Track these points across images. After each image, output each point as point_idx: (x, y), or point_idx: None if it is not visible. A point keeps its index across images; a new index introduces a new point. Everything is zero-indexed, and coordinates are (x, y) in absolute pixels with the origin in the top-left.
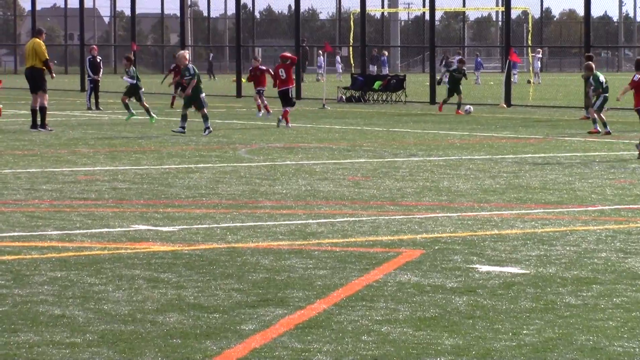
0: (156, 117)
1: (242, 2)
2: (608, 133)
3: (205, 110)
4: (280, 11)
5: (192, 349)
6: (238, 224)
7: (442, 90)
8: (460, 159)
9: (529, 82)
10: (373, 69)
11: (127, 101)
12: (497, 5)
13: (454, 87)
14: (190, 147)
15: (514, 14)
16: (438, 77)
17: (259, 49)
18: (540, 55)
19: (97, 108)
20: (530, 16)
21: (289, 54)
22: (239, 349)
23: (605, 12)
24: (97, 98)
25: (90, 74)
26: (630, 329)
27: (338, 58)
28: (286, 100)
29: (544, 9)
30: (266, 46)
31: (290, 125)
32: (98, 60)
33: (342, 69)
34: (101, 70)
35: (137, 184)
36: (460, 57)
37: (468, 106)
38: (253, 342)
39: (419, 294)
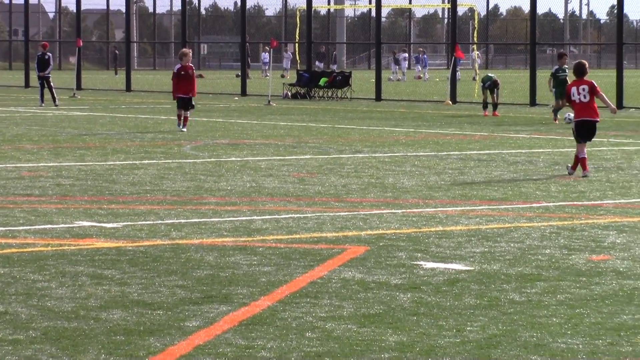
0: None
1: None
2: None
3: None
4: (226, 7)
5: (135, 345)
6: (182, 221)
7: (392, 87)
8: (405, 155)
9: (474, 79)
10: (320, 65)
11: None
12: (443, 2)
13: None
14: (135, 143)
15: (460, 10)
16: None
17: (205, 45)
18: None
19: (55, 104)
20: (476, 13)
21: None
22: (183, 345)
23: (550, 9)
24: (52, 94)
25: (38, 70)
26: (574, 325)
27: (286, 54)
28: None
29: (490, 6)
30: (212, 42)
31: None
32: (47, 57)
33: (289, 65)
34: (50, 66)
35: (81, 180)
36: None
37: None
38: (197, 339)
39: (363, 291)
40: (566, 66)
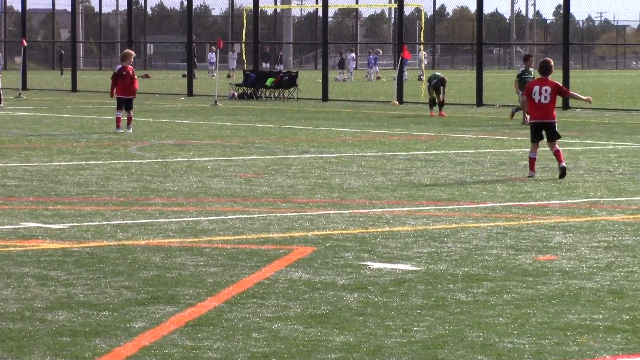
0: None
1: None
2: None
3: None
4: (172, 7)
5: (81, 347)
6: (129, 221)
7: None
8: (352, 156)
9: (419, 78)
10: (266, 65)
11: None
12: (389, 2)
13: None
14: (80, 144)
15: (407, 10)
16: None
17: (151, 45)
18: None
19: None
20: (423, 13)
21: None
22: (129, 346)
23: (497, 9)
24: None
25: None
26: (520, 325)
27: (232, 54)
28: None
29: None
30: (158, 42)
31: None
32: None
33: (236, 65)
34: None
35: (26, 180)
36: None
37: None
38: (143, 340)
39: (310, 291)
40: (532, 68)
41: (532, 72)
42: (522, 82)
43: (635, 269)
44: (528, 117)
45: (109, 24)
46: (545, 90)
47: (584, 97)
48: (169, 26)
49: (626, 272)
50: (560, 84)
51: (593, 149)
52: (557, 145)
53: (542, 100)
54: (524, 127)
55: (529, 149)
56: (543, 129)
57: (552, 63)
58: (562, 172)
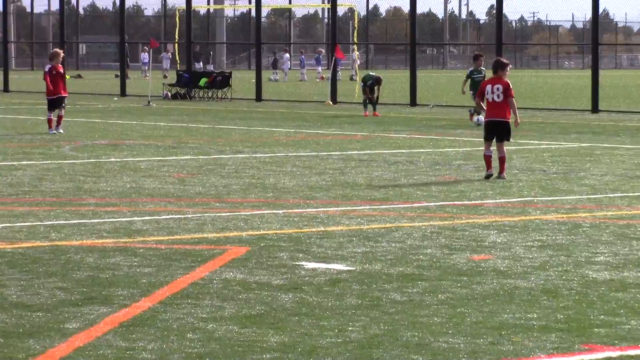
0: None
1: None
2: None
3: None
4: (104, 7)
5: (14, 348)
6: (62, 222)
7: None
8: (286, 155)
9: (351, 78)
10: (198, 65)
11: None
12: (323, 2)
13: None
14: (13, 144)
15: (340, 11)
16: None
17: (83, 45)
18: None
19: None
20: (356, 13)
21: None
22: (63, 347)
23: (430, 9)
24: None
25: None
26: (455, 324)
27: (165, 54)
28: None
29: (370, 6)
30: (91, 42)
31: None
32: None
33: (169, 66)
34: None
35: None
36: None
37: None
38: (77, 341)
39: (244, 291)
40: (482, 68)
41: (483, 72)
42: (472, 82)
43: (570, 268)
44: (482, 117)
45: (41, 24)
46: (497, 89)
47: (518, 119)
48: (101, 26)
49: (560, 271)
50: (511, 85)
51: (526, 149)
52: (504, 150)
53: (496, 99)
54: (457, 127)
55: (483, 148)
56: (496, 128)
57: (505, 61)
58: (489, 176)
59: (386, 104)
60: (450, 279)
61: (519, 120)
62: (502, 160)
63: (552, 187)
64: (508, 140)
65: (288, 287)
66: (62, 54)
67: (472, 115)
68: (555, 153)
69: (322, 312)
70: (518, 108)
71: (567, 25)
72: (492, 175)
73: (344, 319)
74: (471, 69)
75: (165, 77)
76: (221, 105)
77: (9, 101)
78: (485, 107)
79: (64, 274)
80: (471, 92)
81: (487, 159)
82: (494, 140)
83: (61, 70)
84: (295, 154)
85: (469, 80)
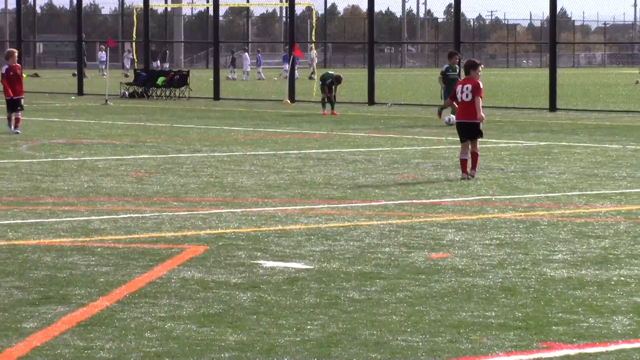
0: None
1: None
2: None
3: None
4: (61, 6)
5: None
6: (19, 221)
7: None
8: (244, 154)
9: (310, 77)
10: (156, 64)
11: None
12: (281, 1)
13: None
14: None
15: (298, 9)
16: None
17: (40, 44)
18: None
19: None
20: (314, 12)
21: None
22: (20, 347)
23: (389, 8)
24: None
25: None
26: (414, 323)
27: (126, 54)
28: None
29: (328, 5)
30: (48, 41)
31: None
32: None
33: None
34: None
35: None
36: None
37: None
38: (34, 340)
39: (202, 290)
40: (457, 65)
41: (458, 69)
42: (447, 79)
43: (528, 266)
44: (454, 116)
45: None
46: (467, 88)
47: (481, 115)
48: (58, 25)
49: (518, 269)
50: (480, 85)
51: (485, 147)
52: (477, 147)
53: (464, 99)
54: (414, 125)
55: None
56: (466, 129)
57: (477, 61)
58: (467, 177)
59: (344, 103)
60: (409, 278)
61: (481, 116)
62: (473, 156)
63: (510, 186)
64: (481, 136)
65: (246, 286)
66: (16, 53)
67: (440, 113)
68: (513, 151)
69: (280, 310)
70: None
71: (525, 24)
72: (465, 178)
73: (302, 317)
74: (446, 66)
75: (126, 76)
76: (179, 104)
77: None
78: (447, 103)
79: (21, 273)
80: (444, 85)
81: (462, 162)
82: (468, 140)
83: (19, 72)
84: (253, 152)
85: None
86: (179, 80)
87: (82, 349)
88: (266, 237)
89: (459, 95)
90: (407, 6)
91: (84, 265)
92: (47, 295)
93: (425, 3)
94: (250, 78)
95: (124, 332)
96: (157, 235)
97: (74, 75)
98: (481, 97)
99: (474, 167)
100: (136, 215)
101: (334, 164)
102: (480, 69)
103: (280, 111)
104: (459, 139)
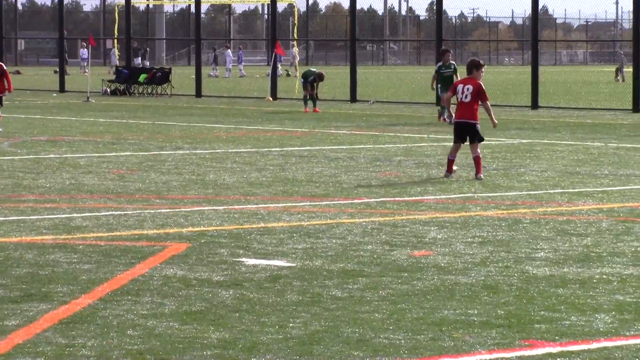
0: None
1: None
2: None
3: None
4: (43, 2)
5: None
6: (1, 218)
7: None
8: (226, 152)
9: (287, 74)
10: (137, 61)
11: None
12: None
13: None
14: None
15: (280, 7)
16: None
17: (22, 41)
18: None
19: None
20: (296, 9)
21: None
22: (2, 345)
23: (371, 5)
24: None
25: None
26: (396, 320)
27: (114, 50)
28: None
29: (310, 2)
30: (29, 38)
31: None
32: None
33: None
34: None
35: None
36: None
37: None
38: (16, 338)
39: (185, 288)
40: (452, 62)
41: (453, 66)
42: (441, 77)
43: (510, 264)
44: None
45: None
46: (468, 89)
47: (494, 121)
48: (40, 22)
49: (501, 267)
50: (483, 87)
51: (466, 145)
52: (478, 150)
53: (464, 99)
54: (397, 123)
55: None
56: (464, 130)
57: (480, 62)
58: (450, 176)
59: (326, 100)
60: (391, 275)
61: (495, 121)
62: (476, 160)
63: (493, 184)
64: (480, 141)
65: (228, 283)
66: None
67: (440, 115)
68: (495, 149)
69: (262, 308)
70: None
71: (507, 21)
72: (449, 177)
73: (284, 315)
74: (439, 64)
75: (112, 73)
76: (161, 101)
77: None
78: (453, 107)
79: (2, 270)
80: (439, 85)
81: (449, 162)
82: (463, 143)
83: (0, 69)
84: (235, 150)
85: (437, 76)
86: (160, 77)
87: (64, 346)
88: (248, 235)
89: (459, 95)
90: (389, 3)
91: (66, 263)
92: (29, 292)
93: (407, 0)
94: (232, 75)
95: (106, 330)
96: (139, 232)
97: (55, 72)
98: (488, 100)
99: (479, 171)
100: (118, 212)
101: (316, 162)
102: (483, 70)
103: (262, 108)
104: (452, 137)
